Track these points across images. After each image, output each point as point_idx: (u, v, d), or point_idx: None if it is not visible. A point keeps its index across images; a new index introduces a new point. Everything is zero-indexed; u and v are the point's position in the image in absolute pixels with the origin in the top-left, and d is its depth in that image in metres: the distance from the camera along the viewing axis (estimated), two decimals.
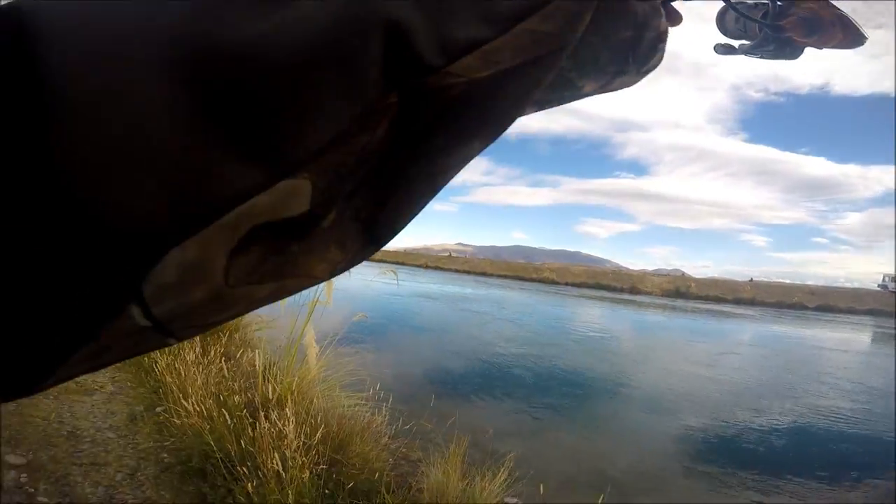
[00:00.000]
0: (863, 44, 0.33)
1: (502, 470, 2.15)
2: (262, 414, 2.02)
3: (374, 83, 0.14)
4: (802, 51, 0.34)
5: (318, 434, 1.86)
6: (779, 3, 0.33)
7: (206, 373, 2.86)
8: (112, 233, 0.11)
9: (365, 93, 0.14)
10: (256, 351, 3.04)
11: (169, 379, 2.59)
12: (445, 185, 0.17)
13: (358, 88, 0.14)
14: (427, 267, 56.49)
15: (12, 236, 0.11)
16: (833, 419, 5.40)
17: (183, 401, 2.25)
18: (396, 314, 10.51)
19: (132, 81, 0.11)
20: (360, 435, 2.15)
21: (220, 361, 3.12)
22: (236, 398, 2.32)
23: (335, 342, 3.18)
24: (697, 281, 43.50)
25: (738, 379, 7.55)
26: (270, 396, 2.39)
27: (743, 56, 0.34)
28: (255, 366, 3.05)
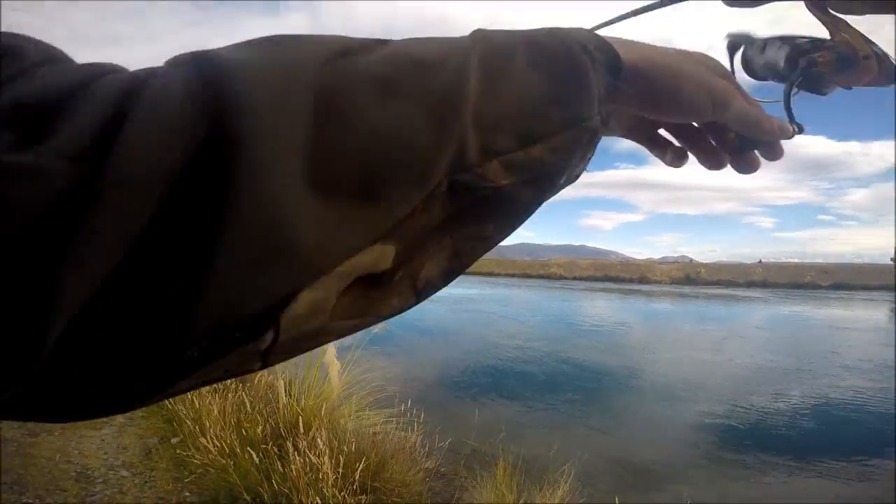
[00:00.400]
0: None
1: (561, 482, 1.94)
2: (290, 444, 1.81)
3: (438, 180, 0.18)
4: (835, 88, 0.33)
5: (359, 465, 1.65)
6: (810, 40, 0.32)
7: (223, 400, 2.67)
8: (271, 276, 0.15)
9: (432, 182, 0.18)
10: (276, 373, 2.84)
11: (182, 409, 2.38)
12: (468, 257, 0.22)
13: (429, 179, 0.18)
14: None
15: (191, 257, 0.14)
16: (854, 399, 5.29)
17: (201, 437, 2.03)
18: (405, 319, 10.24)
19: (290, 161, 0.15)
20: (395, 456, 1.94)
21: (237, 386, 2.93)
22: (258, 429, 2.10)
23: (353, 353, 2.99)
24: (707, 266, 43.10)
25: (756, 363, 7.39)
26: (295, 422, 2.19)
27: (788, 94, 0.32)
28: (274, 388, 2.86)
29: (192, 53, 0.17)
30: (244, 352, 0.16)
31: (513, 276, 46.91)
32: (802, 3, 0.31)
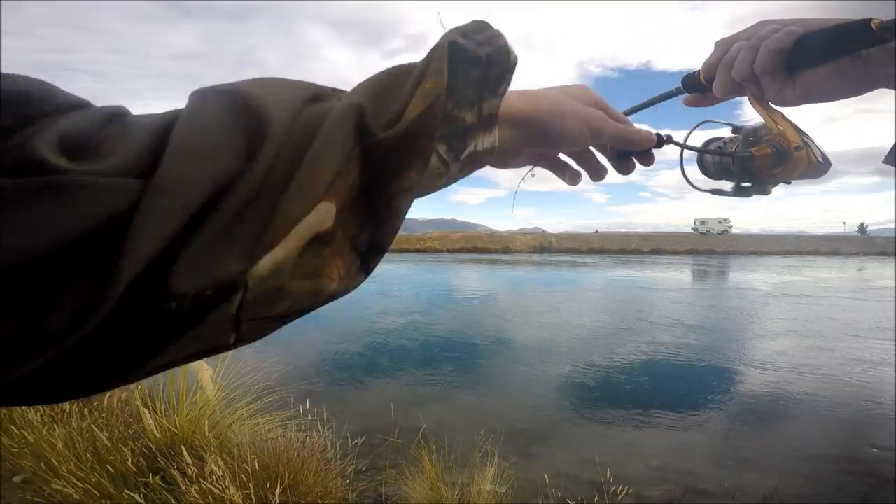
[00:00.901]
0: (828, 170, 0.37)
1: (489, 464, 2.08)
2: (176, 472, 1.59)
3: (351, 143, 0.22)
4: (775, 183, 0.37)
5: (268, 483, 1.53)
6: (746, 136, 0.37)
7: (66, 427, 2.20)
8: (242, 242, 0.19)
9: (347, 147, 0.22)
10: (131, 388, 2.44)
11: (9, 442, 1.91)
12: (402, 209, 0.25)
13: (345, 146, 0.22)
14: None
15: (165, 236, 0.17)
16: (678, 353, 6.38)
17: (56, 479, 1.65)
18: None
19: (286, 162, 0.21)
20: (306, 465, 1.81)
21: (80, 408, 2.44)
22: (129, 461, 1.78)
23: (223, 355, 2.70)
24: (557, 236, 49.18)
25: (592, 324, 8.58)
26: (170, 444, 1.93)
27: (731, 196, 0.39)
28: (131, 405, 2.47)
29: (213, 88, 0.21)
30: (217, 314, 0.19)
31: (391, 251, 46.66)
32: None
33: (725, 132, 0.42)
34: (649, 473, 3.03)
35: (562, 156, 0.38)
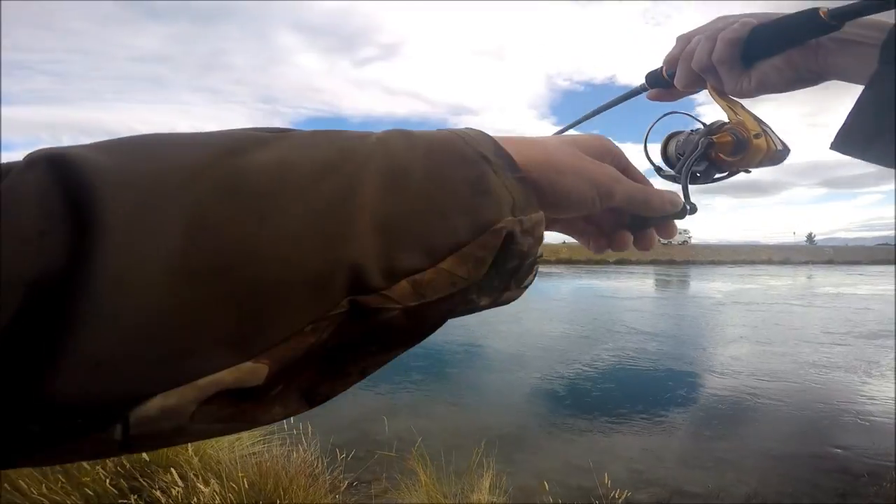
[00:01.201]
0: (786, 157, 0.37)
1: (484, 473, 2.09)
2: (158, 493, 1.54)
3: (333, 301, 0.18)
4: (731, 172, 0.37)
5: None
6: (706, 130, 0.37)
7: None
8: (114, 377, 0.15)
9: (325, 305, 0.18)
10: None
11: None
12: (369, 374, 0.22)
13: (320, 301, 0.18)
14: None
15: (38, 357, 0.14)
16: (640, 360, 6.62)
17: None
18: None
19: (153, 275, 0.15)
20: (295, 481, 1.77)
21: None
22: (105, 481, 1.69)
23: None
24: None
25: (561, 332, 8.83)
26: (149, 461, 1.85)
27: (686, 175, 0.37)
28: None
29: (47, 153, 0.16)
30: (97, 439, 0.16)
31: None
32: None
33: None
34: (634, 477, 3.11)
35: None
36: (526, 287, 0.25)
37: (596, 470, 2.68)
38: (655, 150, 0.41)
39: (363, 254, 0.18)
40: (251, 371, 0.17)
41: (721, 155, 0.36)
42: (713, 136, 0.36)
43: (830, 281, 22.18)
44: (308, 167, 0.19)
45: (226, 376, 0.17)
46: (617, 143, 0.31)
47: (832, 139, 0.34)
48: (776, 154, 0.36)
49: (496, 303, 0.24)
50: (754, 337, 8.32)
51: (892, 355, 6.74)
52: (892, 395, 4.94)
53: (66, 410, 0.15)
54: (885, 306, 12.28)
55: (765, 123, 0.36)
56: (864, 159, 0.33)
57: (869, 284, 19.67)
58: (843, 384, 5.49)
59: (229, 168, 0.17)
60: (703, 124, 0.39)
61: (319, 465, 2.15)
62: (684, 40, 0.40)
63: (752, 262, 42.86)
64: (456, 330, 8.92)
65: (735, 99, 0.39)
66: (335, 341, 0.19)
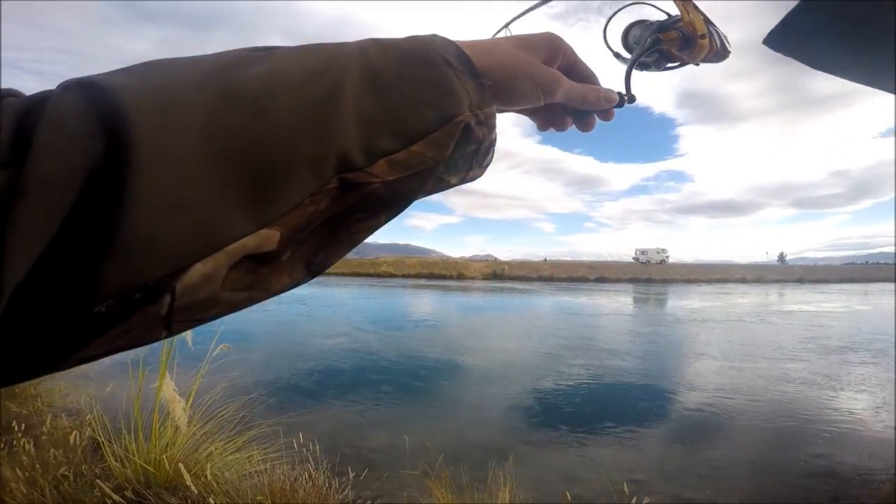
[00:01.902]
0: (727, 57, 0.40)
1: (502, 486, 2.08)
2: None
3: (325, 178, 0.22)
4: (680, 63, 0.40)
5: None
6: (663, 22, 0.40)
7: (13, 461, 2.05)
8: (165, 249, 0.18)
9: (320, 181, 0.22)
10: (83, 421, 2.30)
11: None
12: (361, 241, 0.26)
13: (317, 178, 0.22)
14: None
15: (94, 241, 0.17)
16: (620, 375, 6.77)
17: None
18: (208, 331, 9.36)
19: (181, 160, 0.19)
20: (304, 500, 1.74)
21: (23, 439, 2.26)
22: (105, 492, 1.67)
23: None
24: (510, 263, 50.40)
25: (542, 349, 8.91)
26: (162, 479, 1.83)
27: (631, 66, 0.39)
28: (84, 439, 2.32)
29: (78, 80, 0.20)
30: (146, 314, 0.19)
31: (342, 275, 45.82)
32: None
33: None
34: (636, 486, 3.14)
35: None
36: (486, 166, 0.30)
37: (598, 481, 2.71)
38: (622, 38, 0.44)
39: (348, 140, 0.22)
40: (267, 237, 0.21)
41: (671, 50, 0.39)
42: (661, 34, 0.39)
43: (797, 298, 22.99)
44: (298, 74, 0.22)
45: (249, 241, 0.20)
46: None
47: (766, 35, 0.35)
48: (718, 52, 0.39)
49: (464, 180, 0.30)
50: (723, 353, 8.56)
51: (855, 369, 7.06)
52: (859, 406, 5.16)
53: (126, 288, 0.18)
54: (849, 323, 12.87)
55: (713, 25, 0.39)
56: (794, 57, 0.35)
57: (836, 302, 20.49)
58: (802, 397, 5.71)
59: (228, 79, 0.21)
60: (668, 15, 0.42)
61: (327, 482, 2.13)
62: None
63: (727, 281, 44.08)
64: (438, 346, 8.98)
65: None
66: (330, 212, 0.23)
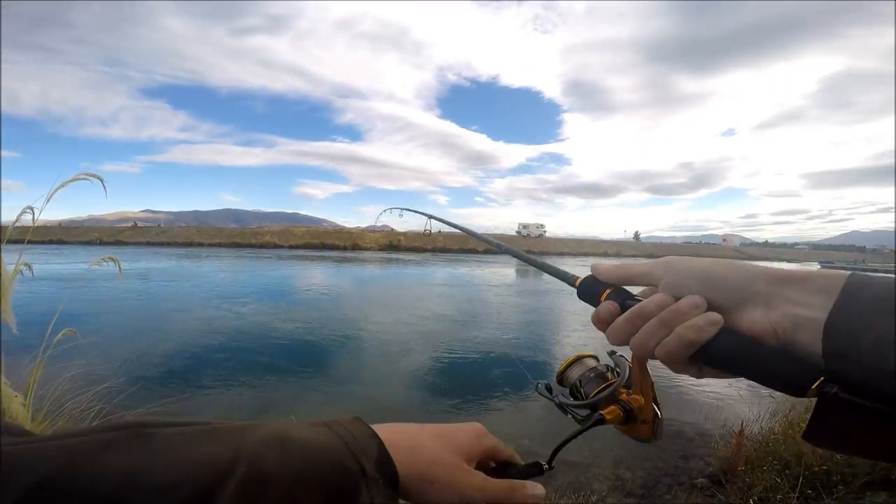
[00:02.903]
0: (659, 440, 0.38)
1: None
2: None
3: None
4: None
5: None
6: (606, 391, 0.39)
7: None
8: None
9: None
10: None
11: None
12: None
13: None
14: (102, 243, 42.87)
15: None
16: (502, 346, 7.11)
17: None
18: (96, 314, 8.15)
19: None
20: None
21: None
22: None
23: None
24: (405, 235, 50.76)
25: (433, 317, 9.38)
26: None
27: (564, 444, 0.39)
28: None
29: None
30: None
31: (219, 245, 41.30)
32: None
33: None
34: (525, 450, 3.36)
35: None
36: None
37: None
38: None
39: None
40: None
41: (610, 423, 0.38)
42: (604, 412, 0.38)
43: None
44: (160, 478, 0.21)
45: None
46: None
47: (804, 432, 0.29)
48: (647, 440, 0.38)
49: None
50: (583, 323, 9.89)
51: None
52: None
53: None
54: None
55: (658, 412, 0.38)
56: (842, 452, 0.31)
57: None
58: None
59: (81, 473, 0.20)
60: (615, 372, 0.41)
61: None
62: (638, 318, 0.34)
63: (594, 254, 50.47)
64: (336, 319, 8.81)
65: (650, 377, 0.38)
66: None
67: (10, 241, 1.43)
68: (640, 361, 0.38)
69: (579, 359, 0.43)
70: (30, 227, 1.91)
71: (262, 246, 41.39)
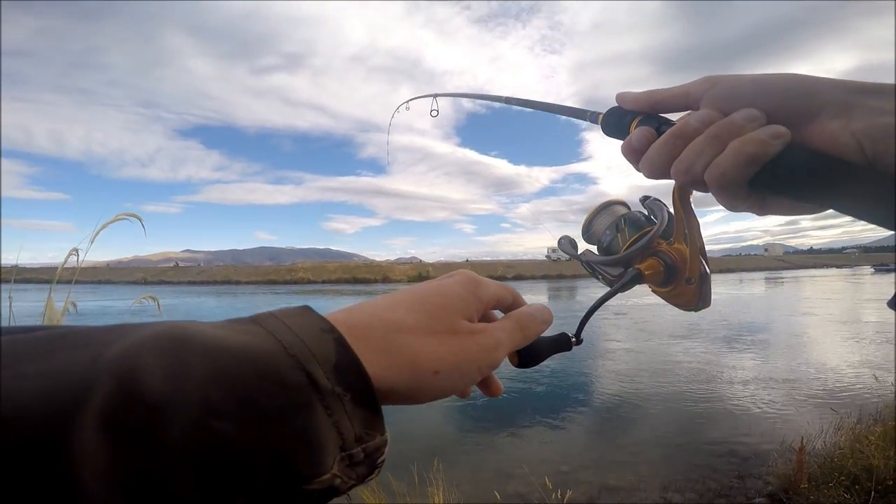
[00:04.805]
0: (706, 307, 0.32)
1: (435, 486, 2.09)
2: None
3: None
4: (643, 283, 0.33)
5: None
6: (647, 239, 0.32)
7: None
8: None
9: None
10: None
11: None
12: None
13: None
14: (147, 282, 45.38)
15: None
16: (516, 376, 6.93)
17: None
18: None
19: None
20: None
21: None
22: None
23: None
24: (433, 265, 51.12)
25: None
26: None
27: (593, 310, 0.33)
28: None
29: None
30: None
31: (256, 283, 42.77)
32: None
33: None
34: (564, 477, 3.22)
35: None
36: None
37: (528, 476, 2.84)
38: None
39: None
40: None
41: (645, 280, 0.32)
42: (642, 266, 0.32)
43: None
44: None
45: None
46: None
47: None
48: (693, 306, 0.32)
49: None
50: (628, 341, 9.51)
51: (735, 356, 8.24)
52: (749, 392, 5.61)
53: None
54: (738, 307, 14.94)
55: (705, 266, 0.31)
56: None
57: (719, 287, 23.77)
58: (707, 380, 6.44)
59: None
60: (647, 215, 0.34)
61: None
62: (680, 139, 0.28)
63: None
64: None
65: (696, 218, 0.31)
66: None
67: (59, 282, 1.56)
68: (682, 196, 0.31)
69: (606, 206, 0.37)
70: (76, 269, 2.05)
71: (295, 282, 42.54)
